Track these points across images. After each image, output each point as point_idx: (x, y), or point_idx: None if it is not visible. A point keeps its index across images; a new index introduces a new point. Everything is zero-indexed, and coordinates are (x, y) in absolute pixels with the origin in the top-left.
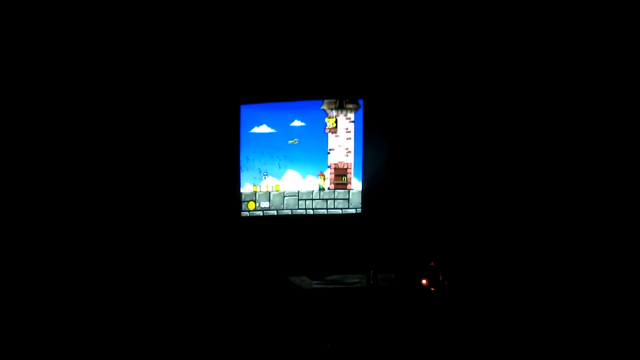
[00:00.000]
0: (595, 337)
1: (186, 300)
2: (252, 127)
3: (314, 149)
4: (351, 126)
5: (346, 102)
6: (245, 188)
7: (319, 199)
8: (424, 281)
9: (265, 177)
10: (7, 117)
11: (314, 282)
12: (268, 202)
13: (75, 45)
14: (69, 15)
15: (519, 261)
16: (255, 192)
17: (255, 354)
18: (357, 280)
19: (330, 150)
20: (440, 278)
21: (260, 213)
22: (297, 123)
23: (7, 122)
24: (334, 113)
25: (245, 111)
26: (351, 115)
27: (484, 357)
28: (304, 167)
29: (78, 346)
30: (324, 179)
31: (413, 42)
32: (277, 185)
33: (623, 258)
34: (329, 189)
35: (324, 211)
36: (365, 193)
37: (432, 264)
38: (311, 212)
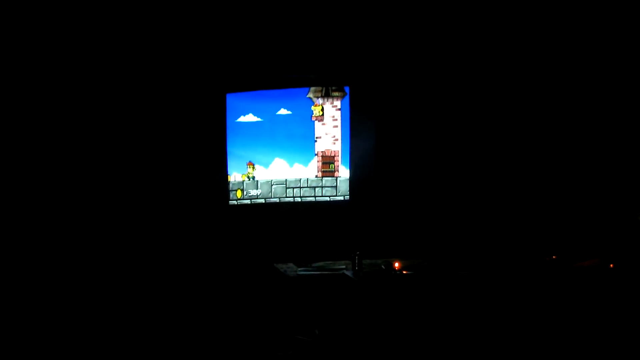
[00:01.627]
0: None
1: (173, 287)
2: (239, 117)
3: (300, 136)
4: (338, 114)
5: (332, 90)
6: (233, 177)
7: (307, 187)
8: (396, 264)
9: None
10: None
11: (300, 269)
12: (256, 190)
13: (58, 36)
14: (53, 8)
15: (504, 250)
16: (243, 181)
17: (242, 341)
18: (342, 266)
19: (317, 138)
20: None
21: (248, 201)
22: (283, 112)
23: None
24: (320, 101)
25: (231, 100)
26: (337, 103)
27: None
28: (292, 155)
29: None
30: (253, 169)
31: (399, 29)
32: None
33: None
34: (316, 176)
35: (311, 199)
36: (352, 181)
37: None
38: (299, 199)
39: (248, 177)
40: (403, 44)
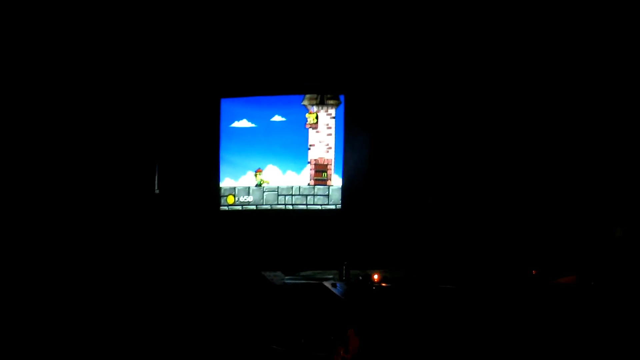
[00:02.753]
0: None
1: (161, 292)
2: (233, 122)
3: (294, 144)
4: (332, 122)
5: (327, 98)
6: (225, 182)
7: (299, 194)
8: (375, 276)
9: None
10: None
11: (287, 277)
12: (247, 197)
13: (52, 40)
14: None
15: (496, 260)
16: (234, 187)
17: (228, 350)
18: (330, 276)
19: (310, 146)
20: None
21: (239, 207)
22: (277, 118)
23: None
24: (315, 109)
25: (226, 105)
26: (332, 111)
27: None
28: (285, 162)
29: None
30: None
31: (395, 40)
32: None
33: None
34: (309, 184)
35: (303, 207)
36: (345, 190)
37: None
38: (290, 207)
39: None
40: (398, 54)
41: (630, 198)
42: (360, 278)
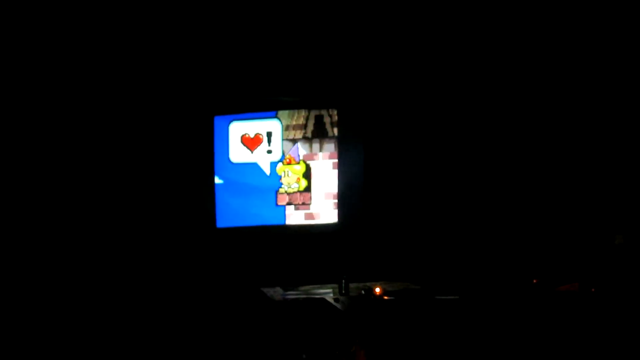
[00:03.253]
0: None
1: (161, 310)
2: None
3: None
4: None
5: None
6: None
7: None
8: (377, 289)
9: None
10: None
11: (287, 292)
12: None
13: (43, 58)
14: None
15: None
16: None
17: None
18: (329, 290)
19: None
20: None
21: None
22: None
23: None
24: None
25: (219, 122)
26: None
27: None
28: None
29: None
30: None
31: (386, 53)
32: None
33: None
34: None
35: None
36: (341, 203)
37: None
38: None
39: None
40: (390, 68)
41: (630, 205)
42: (363, 292)
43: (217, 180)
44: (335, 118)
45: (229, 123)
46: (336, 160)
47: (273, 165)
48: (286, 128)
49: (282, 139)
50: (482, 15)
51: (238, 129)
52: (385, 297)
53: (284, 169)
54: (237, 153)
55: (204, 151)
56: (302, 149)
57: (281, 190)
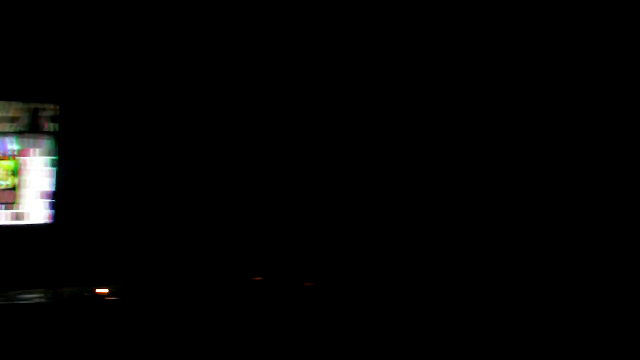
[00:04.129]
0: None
1: None
2: None
3: None
4: None
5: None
6: None
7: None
8: (101, 290)
9: None
10: None
11: None
12: None
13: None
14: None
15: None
16: None
17: None
18: (40, 295)
19: None
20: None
21: None
22: None
23: None
24: None
25: None
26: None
27: None
28: None
29: None
30: None
31: (112, 53)
32: None
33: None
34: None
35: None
36: (55, 202)
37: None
38: None
39: None
40: (117, 66)
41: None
42: (86, 294)
43: None
44: (54, 113)
45: None
46: (53, 158)
47: None
48: None
49: None
50: None
51: None
52: (113, 298)
53: None
54: None
55: None
56: (13, 144)
57: None
